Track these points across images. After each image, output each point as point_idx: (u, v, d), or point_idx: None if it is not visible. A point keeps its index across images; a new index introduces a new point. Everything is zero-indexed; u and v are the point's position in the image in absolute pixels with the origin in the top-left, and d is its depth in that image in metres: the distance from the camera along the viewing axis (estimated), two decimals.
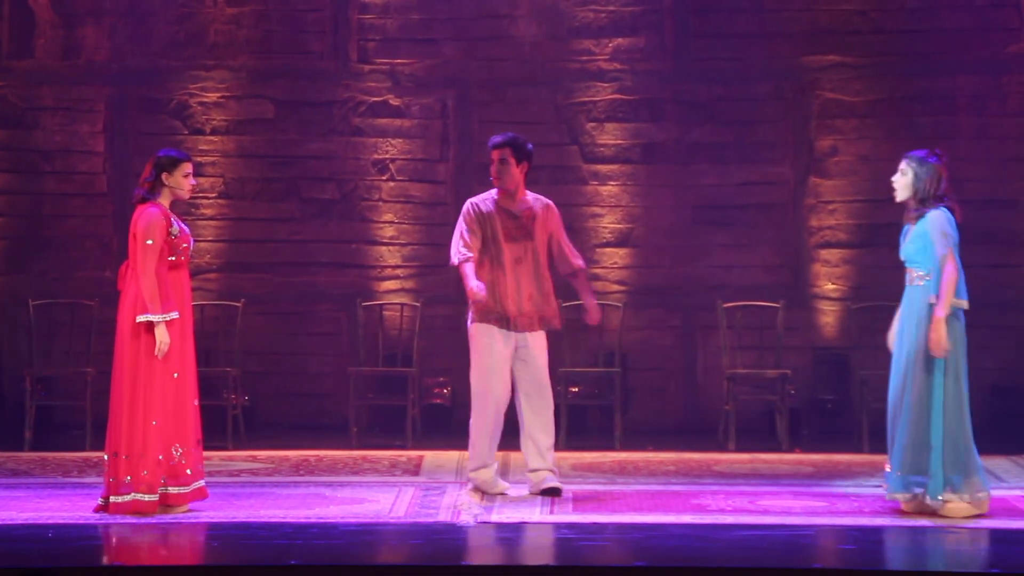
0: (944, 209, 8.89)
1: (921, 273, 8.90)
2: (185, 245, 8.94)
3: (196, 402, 8.97)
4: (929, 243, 8.84)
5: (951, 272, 8.77)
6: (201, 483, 8.96)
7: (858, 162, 12.73)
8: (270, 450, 11.50)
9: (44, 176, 12.81)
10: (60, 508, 9.10)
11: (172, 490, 8.82)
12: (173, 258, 8.88)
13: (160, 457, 8.77)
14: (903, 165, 9.01)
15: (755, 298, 12.42)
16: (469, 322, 9.57)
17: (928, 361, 8.81)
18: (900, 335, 8.98)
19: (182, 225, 8.99)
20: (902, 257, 9.02)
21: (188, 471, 8.87)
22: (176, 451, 8.83)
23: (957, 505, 8.79)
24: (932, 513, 8.81)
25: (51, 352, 12.35)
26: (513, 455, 10.25)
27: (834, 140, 12.76)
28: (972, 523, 8.69)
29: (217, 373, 11.84)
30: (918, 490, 8.82)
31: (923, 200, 8.93)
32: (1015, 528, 8.64)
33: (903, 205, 9.05)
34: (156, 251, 8.79)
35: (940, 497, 8.77)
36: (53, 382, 12.32)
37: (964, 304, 8.85)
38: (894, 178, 9.02)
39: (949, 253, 8.79)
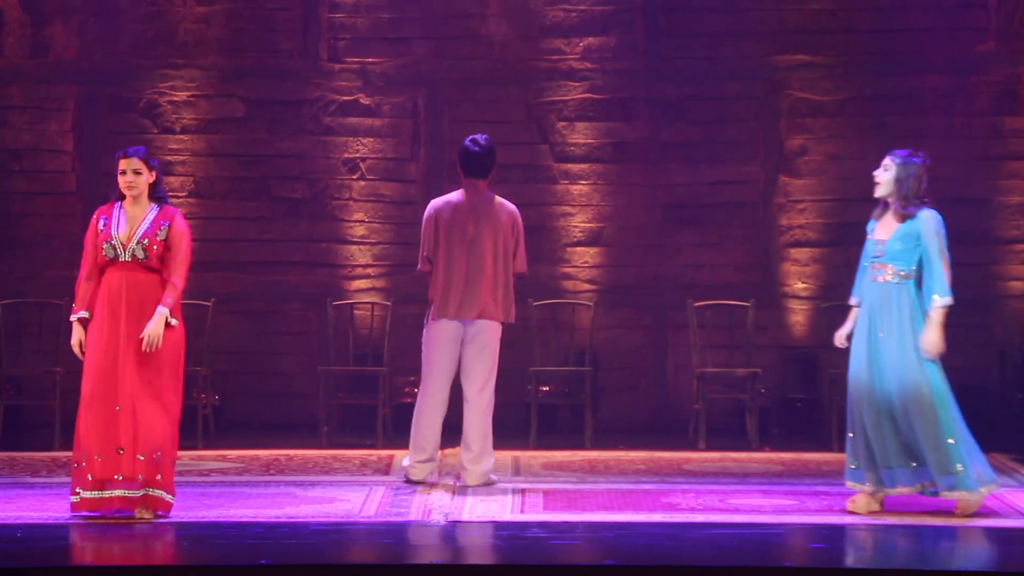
0: (934, 210, 8.93)
1: (901, 270, 8.91)
2: (103, 243, 8.69)
3: (117, 407, 8.59)
4: (918, 243, 8.87)
5: (948, 275, 8.84)
6: (121, 492, 8.60)
7: (828, 161, 12.77)
8: (240, 449, 11.48)
9: (12, 175, 12.75)
10: (29, 508, 9.07)
11: (84, 494, 8.63)
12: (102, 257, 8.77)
13: (75, 461, 8.68)
14: (887, 161, 9.02)
15: (725, 297, 12.44)
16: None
17: (922, 359, 8.84)
18: (876, 332, 8.94)
19: (109, 223, 8.75)
20: (875, 253, 9.02)
21: (89, 476, 8.59)
22: (82, 455, 8.63)
23: (966, 494, 8.82)
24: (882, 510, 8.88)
25: (20, 352, 12.30)
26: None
27: (804, 139, 12.79)
28: (941, 521, 8.73)
29: (187, 372, 11.75)
30: (926, 483, 8.85)
31: (907, 198, 8.94)
32: (982, 526, 8.68)
33: (876, 201, 9.07)
34: (85, 252, 8.78)
35: (951, 493, 8.82)
36: (22, 382, 12.28)
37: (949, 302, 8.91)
38: (876, 172, 9.05)
39: (943, 256, 8.85)
